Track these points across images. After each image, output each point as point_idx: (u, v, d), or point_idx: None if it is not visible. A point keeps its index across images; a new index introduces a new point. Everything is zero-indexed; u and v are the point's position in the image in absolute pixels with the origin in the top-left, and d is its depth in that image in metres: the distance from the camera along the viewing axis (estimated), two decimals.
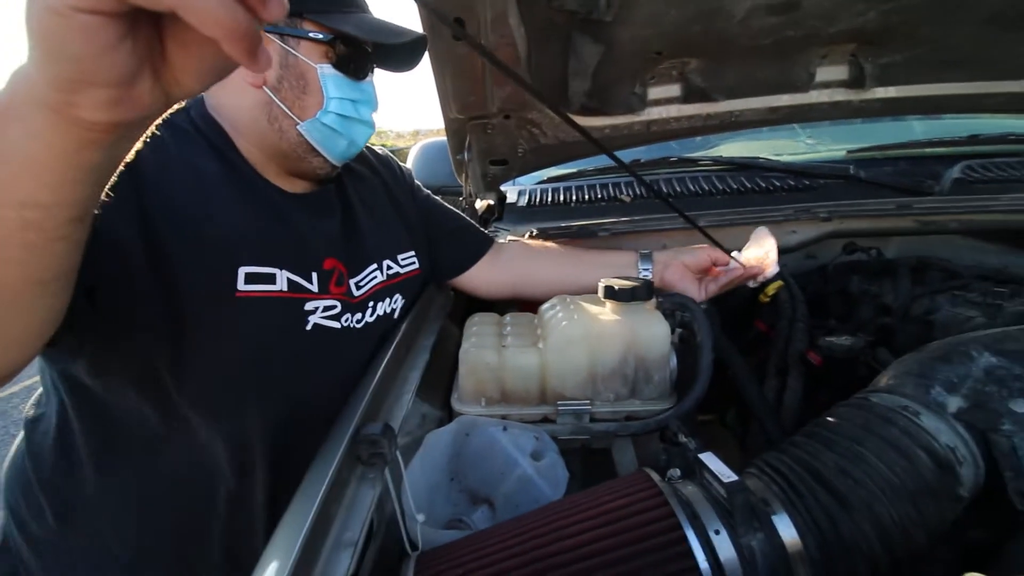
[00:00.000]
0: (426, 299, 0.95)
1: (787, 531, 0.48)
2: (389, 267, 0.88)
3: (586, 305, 0.76)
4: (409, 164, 1.84)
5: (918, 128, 1.41)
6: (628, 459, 0.73)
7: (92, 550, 0.72)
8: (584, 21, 0.90)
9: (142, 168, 0.59)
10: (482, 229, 1.08)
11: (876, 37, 0.98)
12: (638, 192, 1.28)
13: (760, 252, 0.91)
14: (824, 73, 1.05)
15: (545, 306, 0.81)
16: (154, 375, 0.64)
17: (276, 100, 0.69)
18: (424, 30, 0.85)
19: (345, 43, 0.70)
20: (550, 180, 1.48)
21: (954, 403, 0.55)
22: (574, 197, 1.33)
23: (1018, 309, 0.86)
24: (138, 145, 0.38)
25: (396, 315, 0.87)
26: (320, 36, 0.68)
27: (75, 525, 0.72)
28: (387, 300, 0.85)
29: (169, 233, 0.61)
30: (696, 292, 0.92)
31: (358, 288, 0.81)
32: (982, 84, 1.08)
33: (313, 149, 0.73)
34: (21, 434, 0.77)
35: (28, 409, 0.77)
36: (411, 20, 0.83)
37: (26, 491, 0.74)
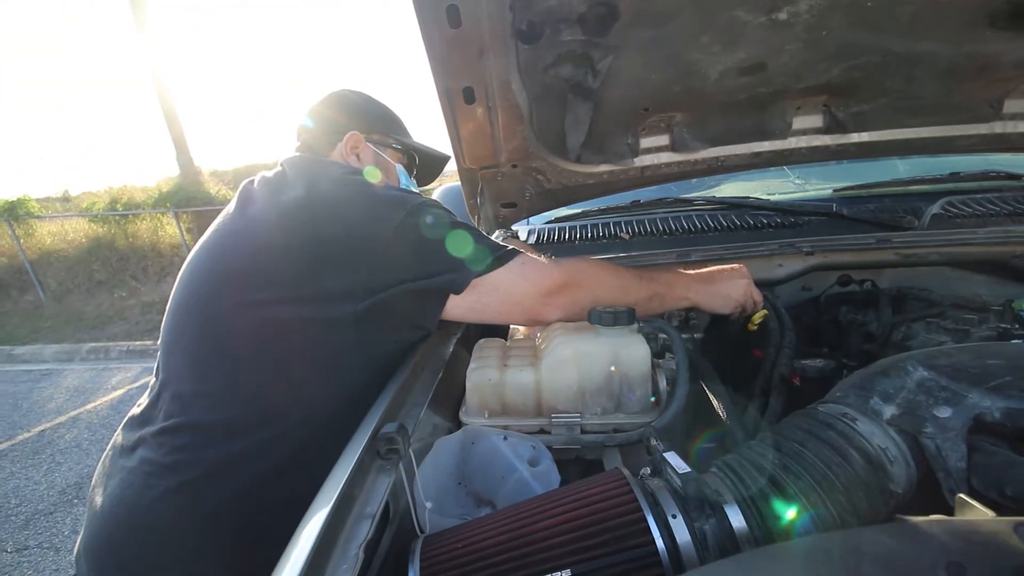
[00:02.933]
0: (441, 327, 1.06)
1: (736, 518, 0.57)
2: None
3: (577, 329, 0.86)
4: None
5: (902, 167, 1.50)
6: (617, 466, 0.82)
7: None
8: (577, 84, 1.04)
9: None
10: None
11: (843, 90, 1.10)
12: (636, 230, 1.40)
13: None
14: (800, 122, 1.17)
15: (542, 331, 0.92)
16: None
17: None
18: (439, 96, 1.00)
19: (408, 154, 1.14)
20: (557, 220, 1.61)
21: (888, 411, 0.63)
22: (578, 235, 1.45)
23: (983, 333, 0.93)
24: None
25: None
26: (398, 147, 1.13)
27: None
28: None
29: None
30: None
31: None
32: (951, 128, 1.18)
33: None
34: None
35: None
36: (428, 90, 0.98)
37: None
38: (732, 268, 1.03)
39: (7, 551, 2.65)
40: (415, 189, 1.11)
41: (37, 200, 10.49)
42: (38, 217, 9.53)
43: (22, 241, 8.92)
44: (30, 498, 3.12)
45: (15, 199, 9.39)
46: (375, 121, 1.11)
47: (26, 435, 3.91)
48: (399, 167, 1.11)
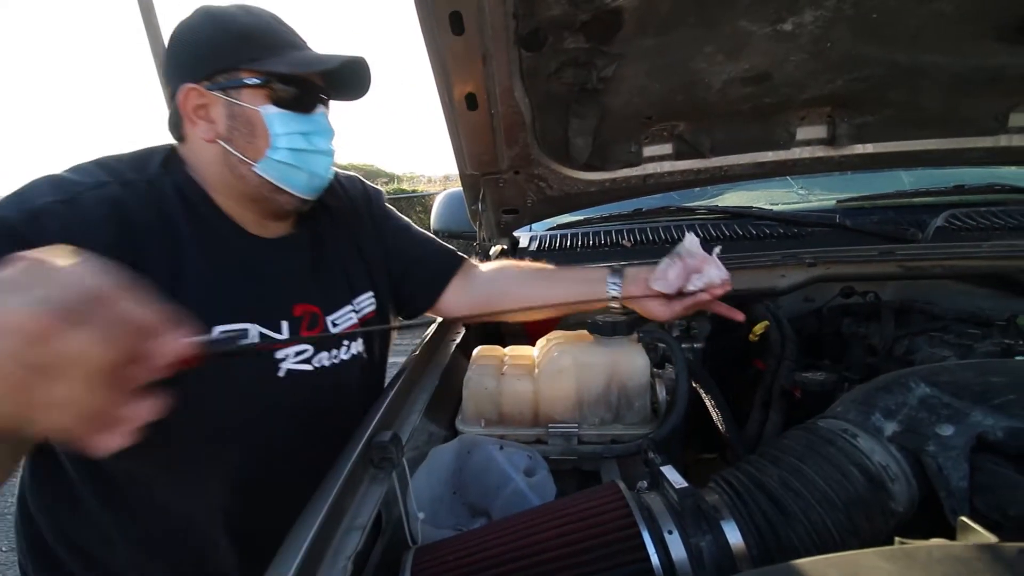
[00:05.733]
0: (438, 332, 1.06)
1: (733, 534, 0.56)
2: (356, 308, 0.90)
3: (575, 339, 0.85)
4: (435, 210, 1.99)
5: (906, 179, 1.49)
6: (614, 479, 0.81)
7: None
8: (581, 91, 1.04)
9: (127, 227, 0.66)
10: (453, 251, 1.05)
11: (848, 101, 1.09)
12: (638, 238, 1.39)
13: (720, 273, 0.83)
14: (804, 132, 1.16)
15: (541, 340, 0.91)
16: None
17: (230, 149, 0.74)
18: (442, 102, 1.00)
19: (284, 81, 0.74)
20: (560, 227, 1.61)
21: (890, 427, 0.62)
22: (580, 242, 1.44)
23: (987, 349, 0.92)
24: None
25: (364, 355, 0.89)
26: (256, 80, 0.73)
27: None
28: (358, 340, 0.88)
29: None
30: (660, 310, 0.84)
31: (335, 325, 0.85)
32: (956, 140, 1.17)
33: (276, 187, 0.76)
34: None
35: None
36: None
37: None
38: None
39: (2, 550, 2.65)
40: (306, 129, 0.76)
41: None
42: None
43: None
44: None
45: None
46: (211, 53, 0.74)
47: None
48: (268, 110, 0.74)
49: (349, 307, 0.88)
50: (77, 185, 0.67)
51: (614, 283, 0.87)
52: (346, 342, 0.86)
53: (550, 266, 1.01)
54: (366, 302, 0.92)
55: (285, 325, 0.79)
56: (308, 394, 0.79)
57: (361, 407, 0.82)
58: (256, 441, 0.76)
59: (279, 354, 0.77)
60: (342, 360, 0.85)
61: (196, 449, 0.73)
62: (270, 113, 0.74)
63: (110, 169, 0.72)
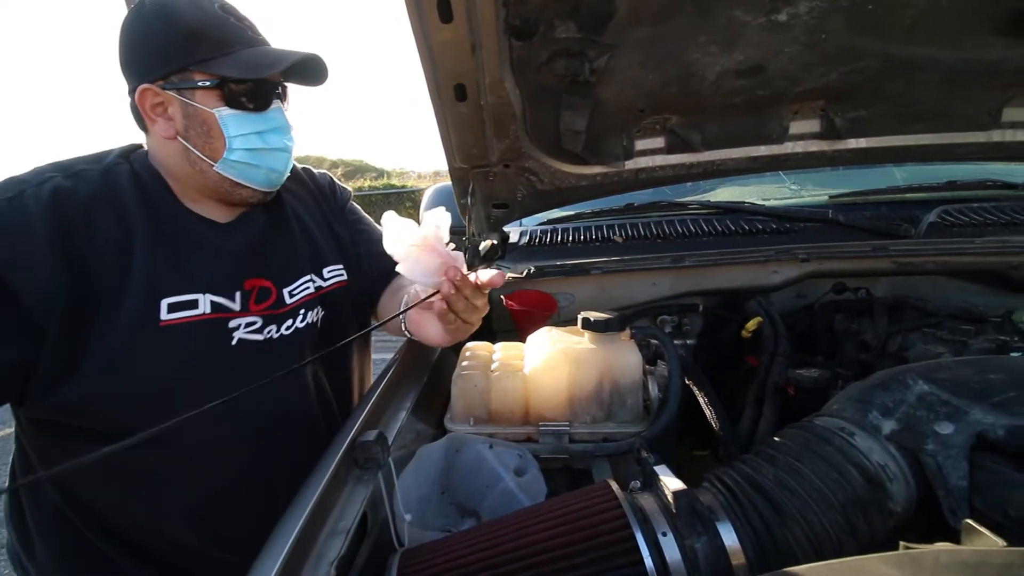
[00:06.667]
0: None
1: (728, 535, 0.54)
2: (316, 280, 0.91)
3: (567, 335, 0.83)
4: (423, 205, 1.97)
5: (898, 174, 1.49)
6: (606, 478, 0.79)
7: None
8: (572, 83, 1.01)
9: (69, 214, 0.69)
10: None
11: (842, 95, 1.08)
12: (630, 234, 1.37)
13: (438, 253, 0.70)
14: (797, 126, 1.15)
15: (531, 336, 0.89)
16: (95, 410, 0.70)
17: (190, 147, 0.76)
18: (431, 93, 0.97)
19: (235, 81, 0.75)
20: (551, 222, 1.58)
21: (888, 426, 0.61)
22: (571, 238, 1.43)
23: (982, 345, 0.91)
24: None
25: (319, 326, 0.90)
26: (207, 83, 0.74)
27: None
28: (315, 310, 0.89)
29: (95, 272, 0.70)
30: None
31: (291, 296, 0.86)
32: (949, 135, 1.16)
33: (236, 183, 0.79)
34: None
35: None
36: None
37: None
38: None
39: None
40: (261, 128, 0.78)
41: None
42: None
43: None
44: None
45: None
46: (162, 52, 0.73)
47: (7, 431, 3.83)
48: (223, 112, 0.75)
49: (308, 277, 0.89)
50: (22, 184, 0.70)
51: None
52: (303, 310, 0.87)
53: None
54: (334, 273, 0.94)
55: (238, 296, 0.80)
56: (259, 364, 0.80)
57: (314, 375, 0.88)
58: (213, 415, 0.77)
59: (232, 323, 0.79)
60: (296, 329, 0.86)
61: (153, 421, 0.73)
62: (224, 115, 0.75)
63: (60, 166, 0.75)
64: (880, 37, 0.94)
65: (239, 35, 0.76)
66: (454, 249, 0.70)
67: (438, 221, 0.68)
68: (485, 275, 0.71)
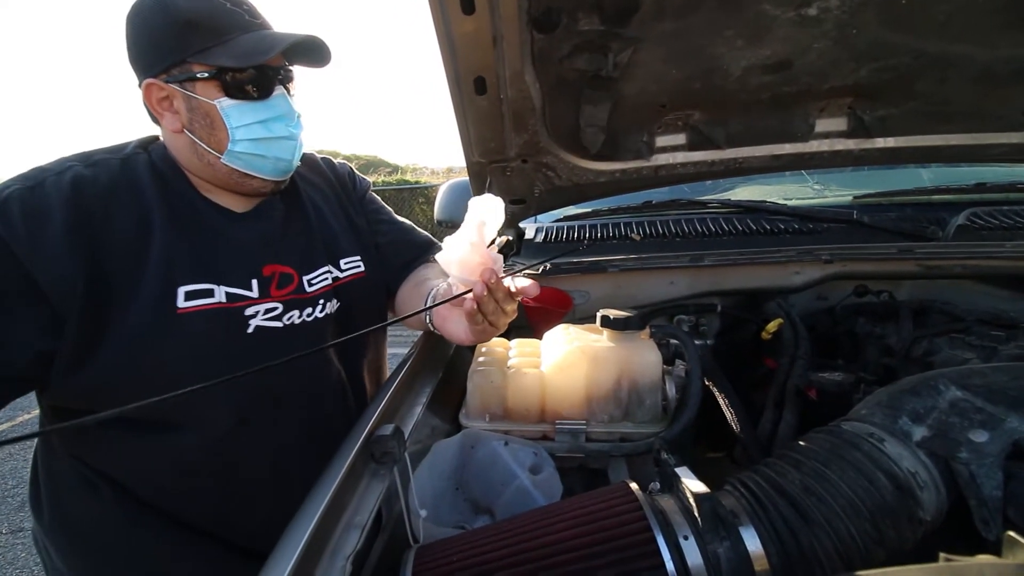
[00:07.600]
0: None
1: (752, 541, 0.53)
2: (333, 270, 0.91)
3: (585, 332, 0.82)
4: (438, 201, 1.96)
5: (925, 175, 1.45)
6: (622, 478, 0.78)
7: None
8: (594, 77, 1.00)
9: (89, 202, 0.70)
10: (429, 237, 1.08)
11: (870, 92, 1.05)
12: (648, 231, 1.35)
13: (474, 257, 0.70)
14: (823, 124, 1.12)
15: (548, 333, 0.88)
16: (112, 395, 0.70)
17: (197, 140, 0.76)
18: (450, 85, 0.96)
19: (234, 70, 0.73)
20: (567, 218, 1.57)
21: (919, 432, 0.59)
22: (588, 234, 1.41)
23: (1012, 352, 0.88)
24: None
25: (335, 318, 0.89)
26: (206, 74, 0.73)
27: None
28: (332, 301, 0.88)
29: (114, 259, 0.70)
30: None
31: (311, 285, 0.86)
32: (981, 135, 1.13)
33: (245, 174, 0.79)
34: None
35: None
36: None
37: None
38: None
39: (2, 532, 2.64)
40: (264, 116, 0.77)
41: None
42: None
43: None
44: (27, 479, 3.10)
45: None
46: (161, 45, 0.72)
47: (27, 416, 3.90)
48: (223, 103, 0.74)
49: (326, 268, 0.89)
50: (44, 172, 0.71)
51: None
52: (321, 300, 0.86)
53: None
54: (351, 264, 0.94)
55: (255, 283, 0.80)
56: (278, 351, 0.79)
57: (331, 365, 0.88)
58: (228, 399, 0.77)
59: (248, 311, 0.78)
60: (316, 318, 0.85)
61: (169, 408, 0.74)
62: (225, 106, 0.75)
63: (81, 156, 0.76)
64: (913, 33, 0.91)
65: (235, 20, 0.74)
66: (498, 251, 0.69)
67: (484, 216, 0.66)
68: (520, 283, 0.70)
